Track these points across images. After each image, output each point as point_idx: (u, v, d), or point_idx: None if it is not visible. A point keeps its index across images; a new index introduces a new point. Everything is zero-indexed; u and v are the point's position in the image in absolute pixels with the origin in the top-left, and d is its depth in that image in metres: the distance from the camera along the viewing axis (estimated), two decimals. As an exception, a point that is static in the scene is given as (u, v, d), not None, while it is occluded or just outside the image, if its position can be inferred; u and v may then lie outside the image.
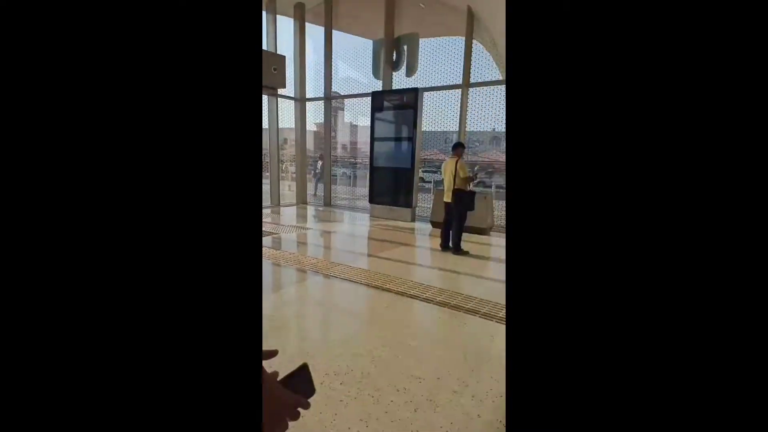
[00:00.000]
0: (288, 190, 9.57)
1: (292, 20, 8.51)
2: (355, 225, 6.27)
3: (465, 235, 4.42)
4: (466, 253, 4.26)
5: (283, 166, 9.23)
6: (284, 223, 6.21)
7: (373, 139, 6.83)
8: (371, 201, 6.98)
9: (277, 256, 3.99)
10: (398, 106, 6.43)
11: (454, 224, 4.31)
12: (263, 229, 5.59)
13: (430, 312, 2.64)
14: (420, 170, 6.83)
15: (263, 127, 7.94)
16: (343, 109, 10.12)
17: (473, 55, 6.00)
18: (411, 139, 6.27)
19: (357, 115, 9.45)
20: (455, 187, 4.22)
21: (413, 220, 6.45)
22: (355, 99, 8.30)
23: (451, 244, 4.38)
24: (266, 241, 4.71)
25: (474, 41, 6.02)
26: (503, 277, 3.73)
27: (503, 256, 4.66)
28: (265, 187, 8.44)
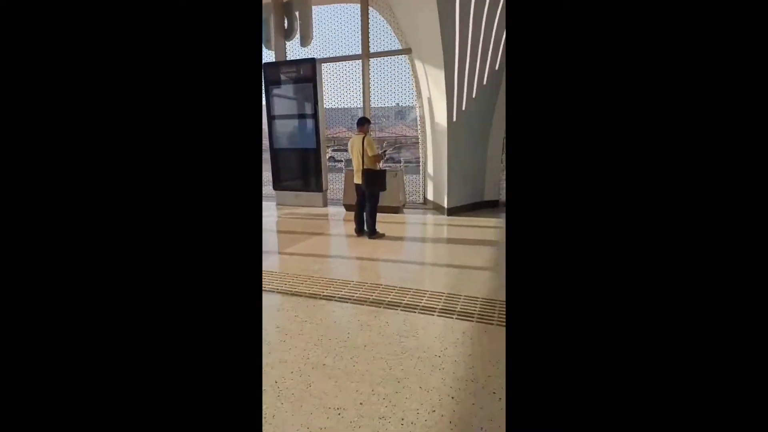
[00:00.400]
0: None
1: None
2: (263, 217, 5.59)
3: (379, 215, 4.19)
4: (382, 236, 4.05)
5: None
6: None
7: (270, 117, 6.09)
8: (276, 187, 6.32)
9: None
10: (296, 79, 5.78)
11: (367, 206, 4.04)
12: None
13: (347, 314, 2.34)
14: (329, 149, 6.35)
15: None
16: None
17: (371, 23, 5.62)
18: (314, 116, 5.73)
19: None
20: (364, 167, 3.92)
21: (325, 205, 6.02)
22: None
23: (366, 228, 4.12)
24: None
25: (370, 8, 5.63)
26: (420, 258, 3.61)
27: (419, 234, 4.59)
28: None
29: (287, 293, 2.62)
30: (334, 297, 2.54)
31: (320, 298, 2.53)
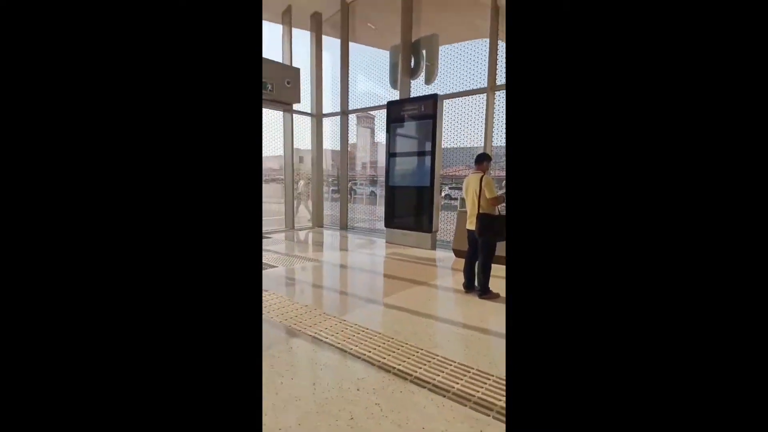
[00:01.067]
0: (305, 212, 8.98)
1: (308, 33, 8.06)
2: (365, 254, 5.48)
3: (494, 270, 3.50)
4: (495, 296, 3.34)
5: (300, 186, 8.69)
6: (287, 251, 5.54)
7: (389, 154, 6.08)
8: (387, 225, 6.19)
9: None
10: (416, 116, 5.66)
11: (479, 258, 3.41)
12: (264, 260, 4.94)
13: (443, 417, 1.76)
14: (446, 187, 5.98)
15: (269, 143, 7.47)
16: (363, 125, 9.54)
17: (499, 55, 5.15)
18: (430, 153, 5.45)
19: (378, 130, 8.89)
20: (480, 211, 3.34)
21: (434, 248, 5.57)
22: (376, 112, 7.66)
23: (476, 284, 3.48)
24: (257, 277, 4.04)
25: (500, 40, 5.18)
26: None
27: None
28: (280, 208, 7.88)
29: (373, 363, 2.20)
30: (429, 384, 2.00)
31: (410, 381, 2.02)
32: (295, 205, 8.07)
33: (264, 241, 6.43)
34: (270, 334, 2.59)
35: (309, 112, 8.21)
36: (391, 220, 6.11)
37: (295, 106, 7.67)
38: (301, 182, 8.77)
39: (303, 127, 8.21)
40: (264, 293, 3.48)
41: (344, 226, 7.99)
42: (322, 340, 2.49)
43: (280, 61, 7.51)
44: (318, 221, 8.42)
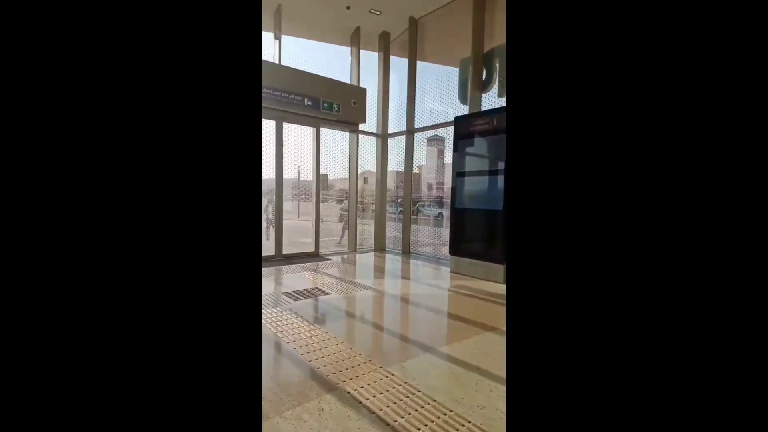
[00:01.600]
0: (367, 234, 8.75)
1: (376, 54, 8.03)
2: (427, 285, 4.90)
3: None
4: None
5: (364, 208, 8.52)
6: (342, 276, 5.23)
7: (455, 173, 5.53)
8: (452, 252, 5.56)
9: (296, 337, 2.91)
10: (487, 132, 5.06)
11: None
12: (317, 285, 4.67)
13: None
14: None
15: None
16: (431, 145, 9.17)
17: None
18: (504, 173, 4.77)
19: (446, 150, 8.47)
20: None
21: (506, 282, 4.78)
22: (446, 133, 7.22)
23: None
24: (303, 306, 3.72)
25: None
26: None
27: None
28: (339, 227, 7.75)
29: (422, 449, 1.65)
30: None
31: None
32: (342, 228, 7.86)
33: (322, 263, 6.25)
34: (302, 382, 2.19)
35: (375, 132, 8.07)
36: (457, 247, 5.48)
37: (361, 127, 7.59)
38: (345, 203, 8.59)
39: (368, 147, 8.08)
40: (307, 325, 3.13)
41: (407, 250, 7.53)
42: (361, 403, 2.01)
43: (347, 81, 7.52)
44: (380, 244, 8.09)
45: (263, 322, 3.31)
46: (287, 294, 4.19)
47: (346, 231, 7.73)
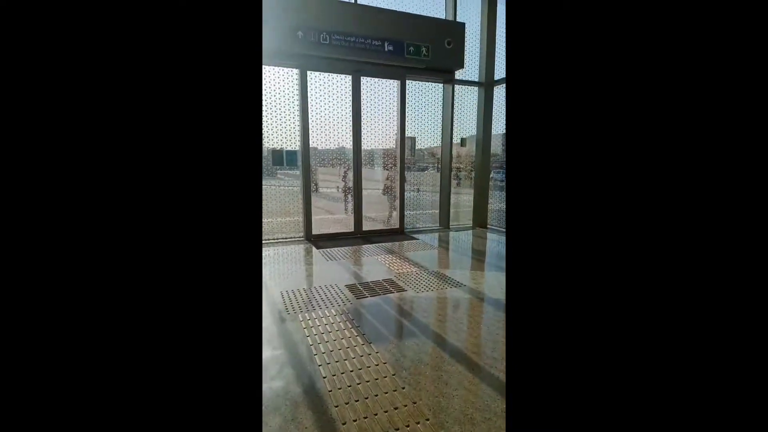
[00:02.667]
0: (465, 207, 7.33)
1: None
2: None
3: None
4: None
5: (460, 176, 7.09)
6: (426, 264, 4.07)
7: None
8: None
9: (336, 362, 1.92)
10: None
11: None
12: (392, 275, 3.66)
13: None
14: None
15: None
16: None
17: None
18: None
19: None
20: None
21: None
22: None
23: None
24: (365, 307, 2.73)
25: None
26: None
27: None
28: (435, 199, 6.53)
29: None
30: None
31: None
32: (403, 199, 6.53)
33: (407, 243, 5.21)
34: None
35: (476, 80, 6.43)
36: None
37: (458, 75, 6.07)
38: (390, 170, 7.11)
39: (468, 100, 6.51)
40: (360, 341, 2.13)
41: (515, 229, 5.92)
42: None
43: (439, 16, 5.98)
44: (479, 220, 6.64)
45: (302, 327, 2.44)
46: (351, 287, 3.29)
47: (395, 210, 6.34)
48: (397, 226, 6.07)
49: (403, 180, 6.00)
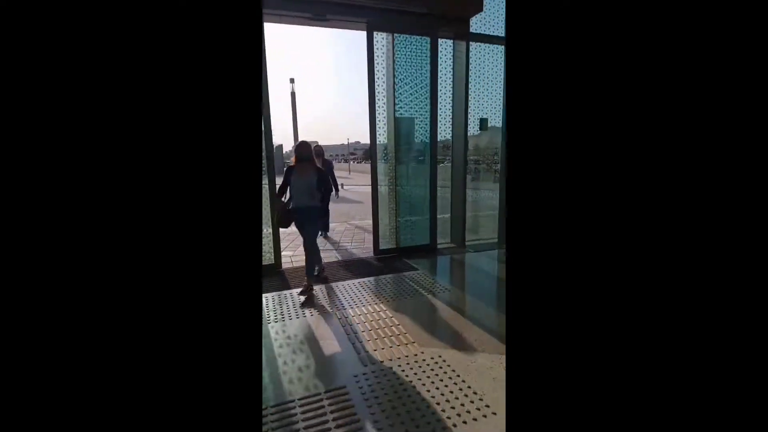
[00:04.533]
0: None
1: None
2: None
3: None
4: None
5: (479, 168, 5.04)
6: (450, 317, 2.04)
7: None
8: None
9: None
10: None
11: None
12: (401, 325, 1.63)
13: None
14: None
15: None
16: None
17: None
18: None
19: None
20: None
21: None
22: None
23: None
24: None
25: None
26: None
27: None
28: (446, 195, 4.51)
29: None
30: None
31: None
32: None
33: (392, 280, 3.19)
34: None
35: (502, 35, 4.42)
36: None
37: (474, 26, 4.10)
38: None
39: (486, 63, 4.49)
40: None
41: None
42: None
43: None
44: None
45: None
46: None
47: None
48: (393, 245, 4.05)
49: (375, 176, 4.00)
